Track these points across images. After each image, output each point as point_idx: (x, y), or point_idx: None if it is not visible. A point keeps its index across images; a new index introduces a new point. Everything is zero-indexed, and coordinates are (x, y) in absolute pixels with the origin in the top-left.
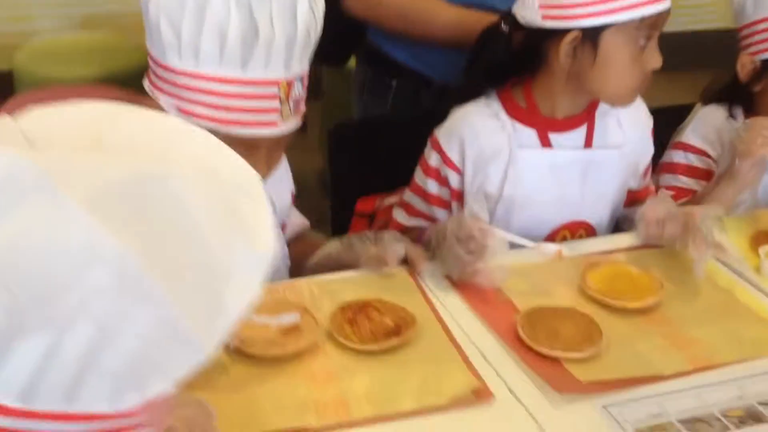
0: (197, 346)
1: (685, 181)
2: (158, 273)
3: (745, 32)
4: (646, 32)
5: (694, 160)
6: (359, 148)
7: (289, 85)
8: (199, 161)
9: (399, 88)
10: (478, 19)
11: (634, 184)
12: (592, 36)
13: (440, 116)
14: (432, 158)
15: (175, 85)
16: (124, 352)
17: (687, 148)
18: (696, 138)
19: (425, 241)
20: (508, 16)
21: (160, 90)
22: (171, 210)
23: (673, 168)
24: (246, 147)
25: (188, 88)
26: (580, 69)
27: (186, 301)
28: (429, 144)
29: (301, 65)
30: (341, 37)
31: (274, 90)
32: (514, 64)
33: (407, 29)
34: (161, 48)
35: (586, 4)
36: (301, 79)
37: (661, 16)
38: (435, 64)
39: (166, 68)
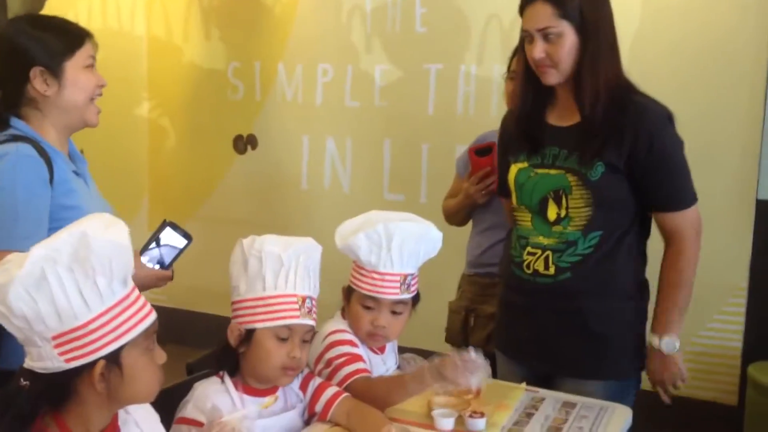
0: None
1: None
2: None
3: (236, 306)
4: (152, 337)
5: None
6: None
7: None
8: None
9: None
10: None
11: None
12: (114, 359)
13: None
14: None
15: None
16: None
17: (189, 422)
18: (196, 411)
19: None
20: (24, 371)
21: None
22: None
23: None
24: None
25: None
26: (113, 387)
27: None
28: None
29: None
30: None
31: None
32: (42, 404)
33: None
34: None
35: (98, 339)
36: None
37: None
38: None
39: None
